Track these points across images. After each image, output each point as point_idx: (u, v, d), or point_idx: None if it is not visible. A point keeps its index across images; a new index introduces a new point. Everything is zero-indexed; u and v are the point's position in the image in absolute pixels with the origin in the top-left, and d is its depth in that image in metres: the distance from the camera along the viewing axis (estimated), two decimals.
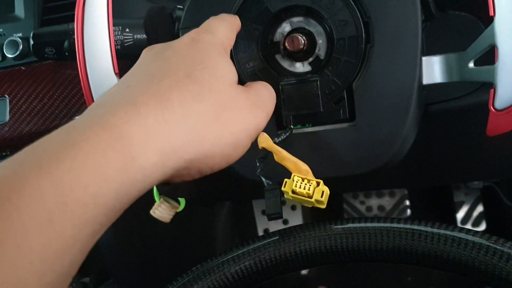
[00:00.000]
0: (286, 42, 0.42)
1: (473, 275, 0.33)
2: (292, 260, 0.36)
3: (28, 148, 0.26)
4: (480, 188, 0.98)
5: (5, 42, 0.59)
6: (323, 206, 0.36)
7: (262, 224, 1.06)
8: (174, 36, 0.46)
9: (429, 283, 1.00)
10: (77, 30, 0.41)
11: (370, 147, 0.41)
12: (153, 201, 0.41)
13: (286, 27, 0.43)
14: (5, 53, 0.59)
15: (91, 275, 0.86)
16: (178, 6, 0.46)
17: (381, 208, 1.07)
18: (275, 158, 0.37)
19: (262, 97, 0.36)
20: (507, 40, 0.36)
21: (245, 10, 0.43)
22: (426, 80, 0.41)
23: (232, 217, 0.98)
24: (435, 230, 0.34)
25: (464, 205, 1.00)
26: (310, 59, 0.42)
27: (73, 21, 0.42)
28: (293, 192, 0.35)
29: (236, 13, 0.43)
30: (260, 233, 1.07)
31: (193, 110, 0.30)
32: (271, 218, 0.36)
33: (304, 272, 1.06)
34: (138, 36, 0.47)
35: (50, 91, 0.59)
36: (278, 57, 0.43)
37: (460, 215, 1.00)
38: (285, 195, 0.36)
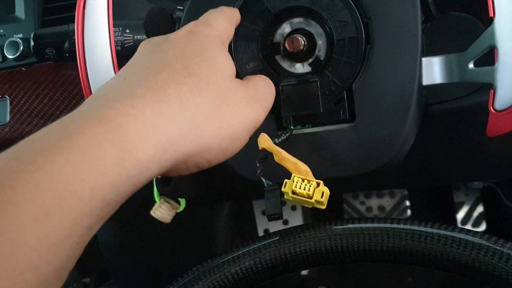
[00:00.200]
0: (286, 43, 0.42)
1: (473, 276, 0.33)
2: (292, 260, 0.36)
3: (24, 141, 0.26)
4: (480, 188, 0.98)
5: (6, 43, 0.59)
6: (323, 207, 0.36)
7: (263, 225, 1.06)
8: None
9: (429, 284, 1.00)
10: (78, 31, 0.41)
11: (370, 148, 0.41)
12: (154, 202, 0.41)
13: (286, 28, 0.43)
14: (6, 54, 0.59)
15: (92, 275, 0.86)
16: (178, 7, 0.46)
17: (381, 208, 1.07)
18: (275, 158, 0.37)
19: (261, 91, 0.35)
20: (507, 41, 0.36)
21: (245, 10, 0.43)
22: (426, 81, 0.41)
23: (232, 217, 0.98)
24: (435, 231, 0.34)
25: (464, 206, 1.00)
26: (310, 60, 0.42)
27: (74, 22, 0.42)
28: (293, 192, 0.35)
29: None
30: (261, 233, 1.07)
31: (190, 103, 0.30)
32: (271, 218, 0.36)
33: (304, 272, 1.06)
34: (139, 37, 0.47)
35: (51, 92, 0.59)
36: (278, 58, 0.43)
37: (460, 215, 1.00)
38: (285, 196, 0.36)
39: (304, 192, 0.35)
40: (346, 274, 1.06)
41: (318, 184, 0.35)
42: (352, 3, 0.41)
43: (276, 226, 1.03)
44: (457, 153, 0.57)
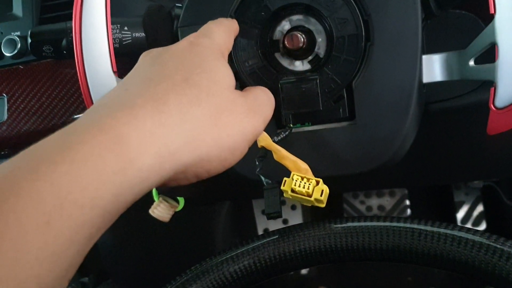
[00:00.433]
0: (286, 40, 0.41)
1: (473, 274, 0.33)
2: (291, 259, 0.36)
3: (26, 151, 0.26)
4: (480, 187, 0.98)
5: (3, 41, 0.58)
6: (323, 205, 0.35)
7: (262, 224, 1.06)
8: (173, 34, 0.46)
9: (429, 283, 1.00)
10: (75, 28, 0.41)
11: (370, 146, 0.41)
12: (152, 201, 0.41)
13: (285, 25, 0.43)
14: (3, 52, 0.58)
15: (90, 275, 0.86)
16: (177, 5, 0.46)
17: (381, 207, 1.07)
18: (275, 157, 0.37)
19: (260, 102, 0.36)
20: (507, 38, 0.36)
21: (244, 8, 0.43)
22: (426, 79, 0.41)
23: (231, 216, 0.98)
24: (435, 229, 0.34)
25: (464, 205, 1.00)
26: (310, 58, 0.42)
27: (71, 19, 0.41)
28: (293, 191, 0.35)
29: (235, 11, 0.43)
30: (260, 232, 1.06)
31: (190, 114, 0.30)
32: (270, 217, 0.36)
33: (304, 272, 1.06)
34: (137, 34, 0.46)
35: (48, 90, 0.59)
36: (277, 55, 0.43)
37: (460, 214, 1.00)
38: (284, 194, 0.36)
39: (304, 191, 0.35)
40: (345, 274, 1.05)
41: (317, 182, 0.35)
42: (352, 0, 0.41)
43: (275, 225, 1.03)
44: (457, 152, 0.57)
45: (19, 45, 0.58)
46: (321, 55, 0.42)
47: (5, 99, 0.60)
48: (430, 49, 0.43)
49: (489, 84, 0.37)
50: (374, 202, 1.07)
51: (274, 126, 0.43)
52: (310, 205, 0.36)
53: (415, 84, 0.40)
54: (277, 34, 0.43)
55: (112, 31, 0.43)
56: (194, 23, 0.42)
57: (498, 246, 0.33)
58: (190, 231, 0.89)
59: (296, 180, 0.35)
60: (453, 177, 0.69)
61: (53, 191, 0.24)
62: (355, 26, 0.41)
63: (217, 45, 0.35)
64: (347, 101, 0.41)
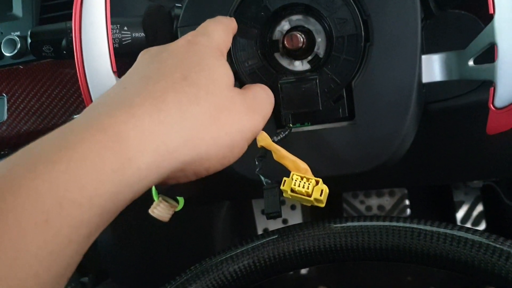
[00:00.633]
0: (285, 40, 0.41)
1: (473, 274, 0.33)
2: (291, 259, 0.36)
3: (24, 149, 0.26)
4: (480, 187, 0.98)
5: (3, 41, 0.58)
6: (322, 205, 0.35)
7: (262, 224, 1.06)
8: (173, 34, 0.46)
9: (429, 283, 1.00)
10: (75, 28, 0.41)
11: (370, 146, 0.41)
12: (152, 200, 0.40)
13: (285, 25, 0.43)
14: (3, 52, 0.58)
15: (90, 275, 0.86)
16: (176, 5, 0.46)
17: (380, 207, 1.07)
18: (274, 156, 0.37)
19: (259, 100, 0.36)
20: (507, 38, 0.36)
21: (244, 8, 0.43)
22: (425, 79, 0.41)
23: (231, 216, 0.98)
24: (435, 229, 0.34)
25: (464, 205, 1.00)
26: (309, 58, 0.42)
27: (71, 19, 0.41)
28: (292, 190, 0.35)
29: (234, 11, 0.43)
30: (260, 232, 1.06)
31: (189, 113, 0.30)
32: (269, 217, 0.36)
33: (303, 271, 1.06)
34: (137, 34, 0.47)
35: (48, 89, 0.59)
36: (277, 55, 0.43)
37: (460, 214, 1.00)
38: (284, 194, 0.36)
39: (303, 190, 0.35)
40: (345, 274, 1.05)
41: (317, 182, 0.35)
42: (351, 1, 0.41)
43: (275, 225, 1.03)
44: (457, 151, 0.57)
45: (19, 45, 0.58)
46: (321, 55, 0.42)
47: (5, 99, 0.60)
48: (429, 49, 0.43)
49: (489, 84, 0.37)
50: (373, 202, 1.07)
51: (273, 126, 0.43)
52: (309, 205, 0.36)
53: (414, 84, 0.40)
54: (277, 34, 0.43)
55: (112, 31, 0.43)
56: (194, 23, 0.42)
57: (498, 245, 0.33)
58: (189, 230, 0.89)
59: (295, 180, 0.35)
60: (452, 177, 0.69)
61: (52, 190, 0.24)
62: (355, 26, 0.41)
63: (216, 44, 0.35)
64: (346, 101, 0.41)
